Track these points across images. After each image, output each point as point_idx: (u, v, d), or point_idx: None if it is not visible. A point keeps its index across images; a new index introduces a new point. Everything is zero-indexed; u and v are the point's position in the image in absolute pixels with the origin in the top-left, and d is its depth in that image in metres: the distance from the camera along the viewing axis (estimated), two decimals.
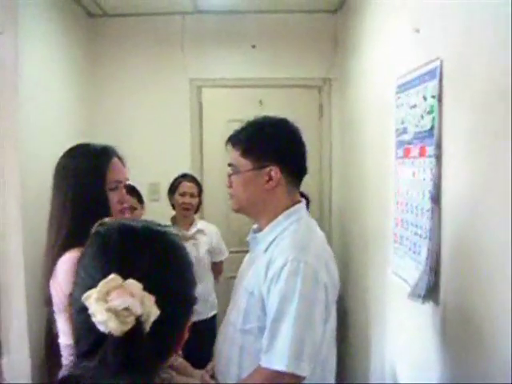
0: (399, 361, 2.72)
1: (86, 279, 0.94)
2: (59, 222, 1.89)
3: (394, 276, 2.62)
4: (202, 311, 3.72)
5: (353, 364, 4.06)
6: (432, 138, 2.07)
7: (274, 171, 1.84)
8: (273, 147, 1.87)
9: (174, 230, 1.05)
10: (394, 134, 2.63)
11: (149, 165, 4.54)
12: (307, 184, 4.13)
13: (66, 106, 4.14)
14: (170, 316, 0.94)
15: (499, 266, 1.59)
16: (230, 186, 1.94)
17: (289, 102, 4.69)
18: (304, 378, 1.69)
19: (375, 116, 3.32)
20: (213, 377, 1.93)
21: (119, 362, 0.85)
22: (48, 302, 1.85)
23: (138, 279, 0.89)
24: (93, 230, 1.02)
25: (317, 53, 4.76)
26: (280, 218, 1.87)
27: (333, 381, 1.91)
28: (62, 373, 0.97)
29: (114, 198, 1.95)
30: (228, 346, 1.88)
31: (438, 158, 2.03)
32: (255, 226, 2.00)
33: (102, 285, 0.87)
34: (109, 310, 0.84)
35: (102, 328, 0.85)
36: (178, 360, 1.94)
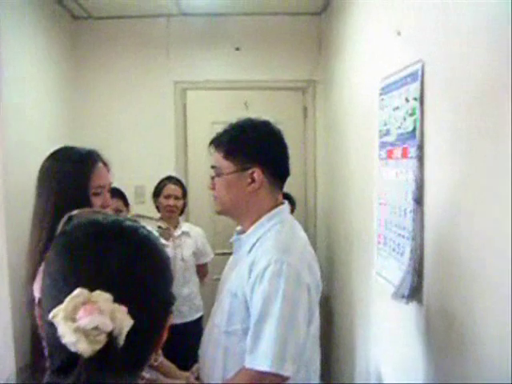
0: (384, 361, 2.74)
1: (52, 288, 0.88)
2: (42, 225, 1.88)
3: (379, 277, 2.64)
4: (188, 313, 3.73)
5: (338, 365, 4.08)
6: (414, 140, 2.09)
7: (257, 173, 1.86)
8: (255, 149, 1.88)
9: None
10: (378, 136, 2.65)
11: (134, 167, 4.54)
12: (292, 186, 4.15)
13: (49, 109, 4.12)
14: (147, 322, 0.88)
15: (481, 265, 1.61)
16: (213, 188, 1.95)
17: (273, 104, 4.72)
18: (288, 378, 1.70)
19: (359, 118, 3.34)
20: (198, 378, 1.94)
21: (94, 379, 0.79)
22: (31, 304, 1.84)
23: (108, 287, 0.82)
24: (60, 225, 0.96)
25: (301, 55, 4.79)
26: (263, 219, 1.88)
27: (317, 381, 1.92)
28: None
29: (97, 202, 1.95)
30: (212, 348, 1.88)
31: (420, 159, 2.05)
32: (238, 228, 2.01)
33: (68, 301, 0.80)
34: (77, 330, 0.78)
35: (71, 349, 0.79)
36: (158, 360, 1.94)
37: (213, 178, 1.94)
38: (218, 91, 4.89)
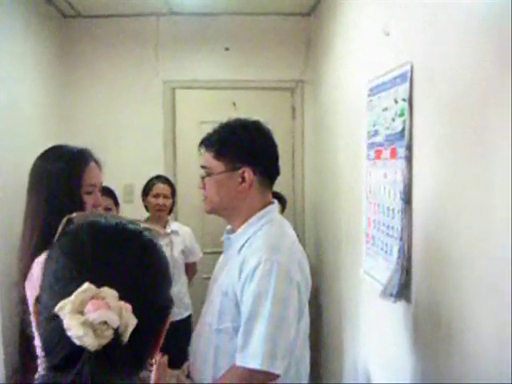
0: (372, 359, 2.76)
1: (54, 285, 0.87)
2: (34, 223, 1.88)
3: (367, 276, 2.66)
4: (177, 312, 3.73)
5: (327, 363, 4.10)
6: (403, 140, 2.11)
7: (247, 173, 1.87)
8: (245, 149, 1.89)
9: (150, 226, 0.98)
10: (366, 136, 2.67)
11: (123, 166, 4.52)
12: (280, 185, 4.16)
13: (39, 108, 4.10)
14: (148, 322, 0.89)
15: (468, 264, 1.64)
16: (203, 188, 1.96)
17: (262, 104, 4.73)
18: (278, 375, 1.71)
19: (347, 118, 3.36)
20: (188, 376, 1.95)
21: (97, 375, 0.78)
22: (23, 300, 1.84)
23: (113, 285, 0.83)
24: (60, 227, 0.94)
25: (290, 55, 4.80)
26: (253, 219, 1.89)
27: (307, 379, 1.94)
28: None
29: (89, 201, 1.96)
30: (204, 346, 1.89)
31: (409, 159, 2.07)
32: (228, 227, 2.03)
33: (76, 295, 0.80)
34: (85, 323, 0.78)
35: (77, 342, 0.78)
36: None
37: (203, 177, 1.96)
38: (207, 91, 4.89)
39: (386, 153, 2.34)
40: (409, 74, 2.07)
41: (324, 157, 4.24)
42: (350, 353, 3.27)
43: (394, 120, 2.24)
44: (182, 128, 4.86)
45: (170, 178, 4.24)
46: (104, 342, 0.79)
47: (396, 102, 2.21)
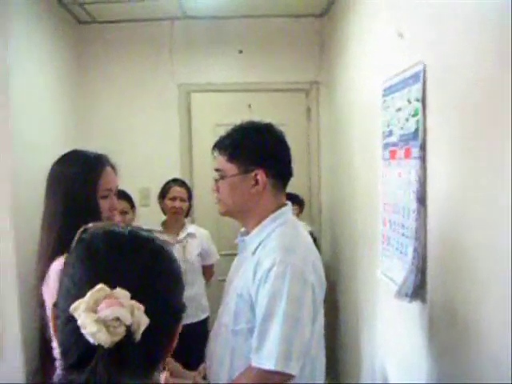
0: (389, 359, 2.76)
1: (71, 289, 0.91)
2: (51, 228, 1.91)
3: (384, 277, 2.65)
4: (194, 314, 3.74)
5: (344, 364, 4.10)
6: (417, 140, 2.11)
7: (260, 175, 1.88)
8: (258, 152, 1.90)
9: (160, 235, 1.01)
10: (381, 137, 2.67)
11: (139, 170, 4.56)
12: (296, 187, 4.16)
13: (55, 113, 4.15)
14: (160, 324, 0.91)
15: (483, 264, 1.63)
16: (217, 191, 1.97)
17: (277, 106, 4.74)
18: (293, 376, 1.72)
19: (362, 119, 3.36)
20: (205, 378, 1.96)
21: (110, 373, 0.81)
22: (41, 304, 1.87)
23: (126, 288, 0.86)
24: (77, 236, 0.98)
25: (304, 57, 4.81)
26: (266, 221, 1.90)
27: (323, 379, 1.94)
28: None
29: (105, 205, 1.98)
30: (220, 348, 1.90)
31: (423, 159, 2.07)
32: (242, 230, 2.04)
33: (90, 295, 0.84)
34: (98, 320, 0.81)
35: (91, 339, 0.81)
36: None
37: (216, 180, 1.97)
38: (222, 93, 4.91)
39: (401, 153, 2.34)
40: (421, 74, 2.07)
41: (340, 158, 4.23)
42: (367, 353, 3.27)
43: (407, 120, 2.23)
44: (198, 131, 4.88)
45: (187, 180, 4.27)
46: (117, 338, 0.82)
47: (409, 102, 2.21)
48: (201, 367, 2.02)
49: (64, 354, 0.90)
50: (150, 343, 0.88)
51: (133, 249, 0.95)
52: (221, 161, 1.93)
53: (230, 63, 4.84)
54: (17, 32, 3.39)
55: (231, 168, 1.90)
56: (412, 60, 2.20)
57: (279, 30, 4.79)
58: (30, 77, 3.63)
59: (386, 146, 2.59)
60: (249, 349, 1.77)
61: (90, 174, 1.96)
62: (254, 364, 1.74)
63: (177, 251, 3.77)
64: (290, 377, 1.72)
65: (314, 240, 4.27)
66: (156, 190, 4.04)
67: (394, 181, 2.43)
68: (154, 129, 4.84)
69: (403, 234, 2.30)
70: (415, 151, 2.13)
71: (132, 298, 0.85)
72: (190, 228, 3.98)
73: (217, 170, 1.96)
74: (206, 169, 4.30)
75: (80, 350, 0.85)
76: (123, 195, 3.31)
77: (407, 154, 2.24)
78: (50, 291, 1.79)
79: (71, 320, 0.84)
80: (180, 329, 1.01)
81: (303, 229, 1.99)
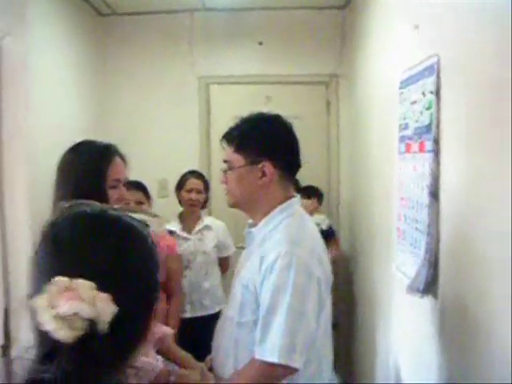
0: (402, 354, 2.74)
1: (37, 279, 0.89)
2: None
3: (398, 272, 2.63)
4: (210, 306, 3.76)
5: (359, 357, 4.09)
6: (430, 134, 2.08)
7: (268, 167, 1.87)
8: (265, 143, 1.90)
9: (146, 216, 0.99)
10: (397, 130, 2.64)
11: (158, 161, 4.60)
12: (315, 179, 4.14)
13: (76, 104, 4.19)
14: (132, 309, 0.88)
15: (496, 259, 1.60)
16: (225, 182, 1.97)
17: (296, 98, 4.72)
18: (297, 369, 1.71)
19: (381, 112, 3.33)
20: (211, 369, 1.97)
21: (75, 368, 0.80)
22: None
23: (92, 276, 0.83)
24: (49, 218, 0.96)
25: (324, 49, 4.77)
26: (274, 212, 1.89)
27: (330, 372, 1.93)
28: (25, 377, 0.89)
29: (113, 195, 1.98)
30: (225, 340, 1.91)
31: (436, 153, 2.04)
32: (250, 221, 2.04)
33: (49, 289, 0.81)
34: (57, 317, 0.79)
35: (54, 336, 0.80)
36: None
37: (225, 171, 1.97)
38: (241, 85, 4.89)
39: (415, 146, 2.31)
40: (436, 67, 2.04)
41: (359, 150, 4.20)
42: (382, 347, 3.25)
43: (422, 113, 2.21)
44: (217, 123, 4.87)
45: (205, 172, 4.27)
46: (79, 333, 0.79)
47: (424, 94, 2.18)
48: (207, 358, 2.03)
49: (36, 346, 0.89)
50: (119, 333, 0.85)
51: (98, 232, 0.92)
52: (228, 152, 1.94)
53: (250, 55, 4.82)
54: (37, 24, 3.42)
55: (238, 159, 1.90)
56: (427, 52, 2.17)
57: (299, 22, 4.76)
58: (50, 69, 3.66)
59: (402, 139, 2.56)
60: (253, 341, 1.77)
61: (98, 164, 1.97)
62: (257, 356, 1.74)
63: (193, 243, 3.79)
64: (293, 370, 1.71)
65: (333, 233, 4.30)
66: (174, 182, 4.03)
67: (409, 174, 2.40)
68: (173, 120, 4.85)
69: (417, 229, 2.28)
70: (429, 144, 2.10)
71: (99, 283, 0.83)
72: (207, 220, 3.99)
73: (225, 161, 1.97)
74: None
75: (48, 344, 0.83)
76: (138, 186, 3.32)
77: (422, 148, 2.22)
78: None
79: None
80: (156, 310, 0.97)
81: (310, 221, 1.98)
